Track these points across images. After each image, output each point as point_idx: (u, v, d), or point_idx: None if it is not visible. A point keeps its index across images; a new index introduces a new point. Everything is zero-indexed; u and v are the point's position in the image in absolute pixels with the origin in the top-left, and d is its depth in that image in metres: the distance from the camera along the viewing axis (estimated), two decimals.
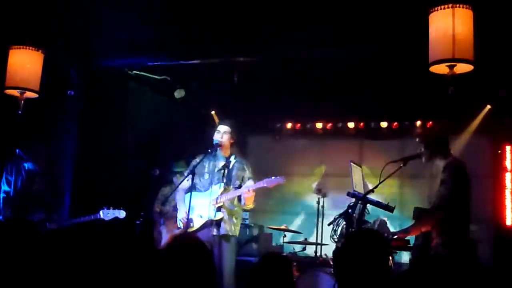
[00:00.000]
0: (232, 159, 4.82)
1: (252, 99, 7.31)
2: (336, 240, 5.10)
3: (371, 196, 4.33)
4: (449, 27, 3.44)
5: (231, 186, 4.70)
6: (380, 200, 4.49)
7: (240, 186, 4.72)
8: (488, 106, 7.30)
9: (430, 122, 7.42)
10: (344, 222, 4.24)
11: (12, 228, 1.85)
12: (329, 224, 4.38)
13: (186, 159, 4.93)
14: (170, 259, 1.65)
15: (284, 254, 6.20)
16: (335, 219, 4.33)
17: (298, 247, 6.53)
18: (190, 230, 4.58)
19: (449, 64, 3.48)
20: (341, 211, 4.29)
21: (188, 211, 4.48)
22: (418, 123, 7.78)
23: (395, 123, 8.02)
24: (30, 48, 4.55)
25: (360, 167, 5.13)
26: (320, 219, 6.36)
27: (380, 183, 4.13)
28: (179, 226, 4.78)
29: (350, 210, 4.19)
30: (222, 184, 4.65)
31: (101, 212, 4.89)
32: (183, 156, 6.13)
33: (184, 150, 6.21)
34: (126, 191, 6.06)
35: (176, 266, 1.64)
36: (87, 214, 4.95)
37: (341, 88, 6.72)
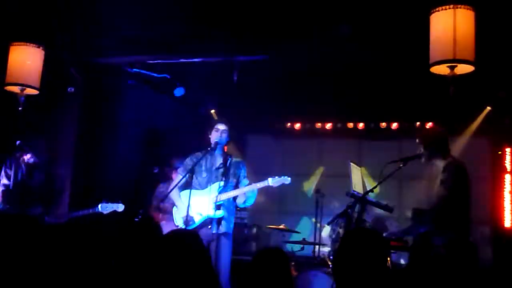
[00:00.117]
0: (229, 157, 4.84)
1: (252, 99, 7.31)
2: (335, 239, 5.11)
3: (370, 196, 4.34)
4: (451, 28, 3.44)
5: (229, 184, 4.72)
6: (380, 200, 4.50)
7: (236, 185, 4.74)
8: (488, 108, 7.31)
9: (430, 123, 7.43)
10: (344, 222, 4.25)
11: (13, 221, 1.84)
12: (328, 224, 4.39)
13: (185, 156, 4.93)
14: (168, 257, 1.65)
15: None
16: (334, 219, 4.34)
17: (296, 247, 6.53)
18: (190, 227, 4.58)
19: (450, 64, 3.48)
20: (340, 211, 4.29)
21: (188, 209, 4.48)
22: (418, 124, 7.79)
23: (395, 124, 8.03)
24: (31, 44, 4.55)
25: (360, 167, 5.13)
26: (318, 219, 6.36)
27: (379, 183, 4.13)
28: (177, 224, 4.77)
29: (349, 210, 4.19)
30: (222, 183, 4.66)
31: (99, 206, 4.89)
32: (182, 153, 6.13)
33: (183, 147, 6.21)
34: (125, 187, 6.06)
35: (173, 264, 1.64)
36: (86, 208, 4.95)
37: (341, 88, 6.73)
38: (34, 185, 5.11)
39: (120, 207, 4.94)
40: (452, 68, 3.48)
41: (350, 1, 4.90)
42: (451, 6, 3.47)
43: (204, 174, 4.74)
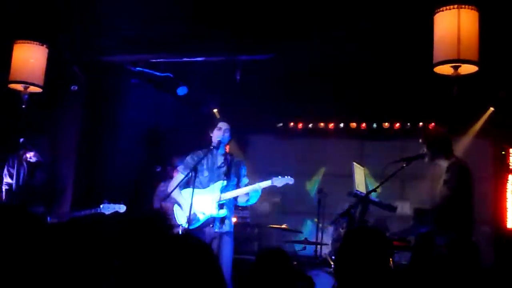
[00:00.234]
0: (230, 156, 4.85)
1: (254, 99, 7.31)
2: (336, 239, 5.11)
3: (372, 196, 4.34)
4: (455, 28, 3.43)
5: (231, 183, 4.72)
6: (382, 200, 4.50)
7: (237, 184, 4.74)
8: (491, 108, 7.30)
9: (433, 123, 7.42)
10: (346, 222, 4.24)
11: (15, 216, 1.84)
12: (331, 224, 4.39)
13: (186, 155, 4.93)
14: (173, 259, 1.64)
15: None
16: (336, 219, 4.34)
17: (298, 247, 6.52)
18: (192, 226, 4.58)
19: (453, 65, 3.48)
20: (342, 211, 4.29)
21: (190, 208, 4.47)
22: (420, 124, 7.78)
23: (397, 124, 8.03)
24: (35, 43, 4.55)
25: (363, 167, 5.14)
26: (320, 219, 6.36)
27: (382, 183, 4.13)
28: (179, 223, 4.77)
29: (352, 210, 4.19)
30: (224, 182, 4.66)
31: (101, 206, 4.90)
32: (184, 152, 6.14)
33: (185, 146, 6.21)
34: (127, 186, 6.07)
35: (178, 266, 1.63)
36: (88, 208, 4.96)
37: (343, 88, 6.72)
38: (36, 184, 5.12)
39: (122, 208, 4.95)
40: (456, 68, 3.48)
41: (352, 1, 4.89)
42: (455, 6, 3.47)
43: (206, 173, 4.74)
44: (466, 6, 3.48)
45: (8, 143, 5.24)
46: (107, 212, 4.90)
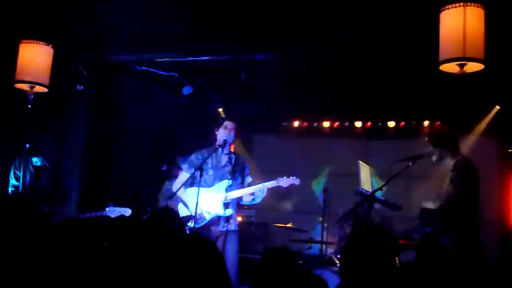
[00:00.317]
0: (235, 155, 4.85)
1: (259, 98, 7.31)
2: (341, 238, 5.10)
3: (378, 195, 4.33)
4: (460, 26, 3.42)
5: (235, 183, 4.72)
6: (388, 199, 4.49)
7: (242, 183, 4.74)
8: (497, 107, 7.27)
9: (438, 122, 7.39)
10: (351, 221, 4.24)
11: (24, 211, 1.85)
12: (336, 222, 4.39)
13: (191, 154, 4.93)
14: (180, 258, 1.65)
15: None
16: (342, 217, 4.34)
17: (303, 246, 6.51)
18: (198, 225, 4.59)
19: (459, 63, 3.47)
20: (347, 210, 4.29)
21: (196, 207, 4.48)
22: (426, 123, 7.75)
23: (402, 123, 8.00)
24: (40, 42, 4.56)
25: (369, 166, 5.13)
26: (326, 218, 6.35)
27: (388, 181, 4.13)
28: (191, 216, 4.76)
29: (357, 208, 4.19)
30: (230, 181, 4.66)
31: (107, 209, 4.91)
32: (189, 151, 6.15)
33: (190, 145, 6.22)
34: (132, 186, 6.08)
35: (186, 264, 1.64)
36: (94, 210, 4.97)
37: (348, 87, 6.71)
38: (42, 186, 5.15)
39: (128, 211, 4.97)
40: (461, 66, 3.46)
41: (352, 1, 4.88)
42: (461, 3, 3.46)
43: (211, 172, 4.74)
44: (472, 4, 3.46)
45: (14, 142, 5.26)
46: (112, 215, 4.92)
